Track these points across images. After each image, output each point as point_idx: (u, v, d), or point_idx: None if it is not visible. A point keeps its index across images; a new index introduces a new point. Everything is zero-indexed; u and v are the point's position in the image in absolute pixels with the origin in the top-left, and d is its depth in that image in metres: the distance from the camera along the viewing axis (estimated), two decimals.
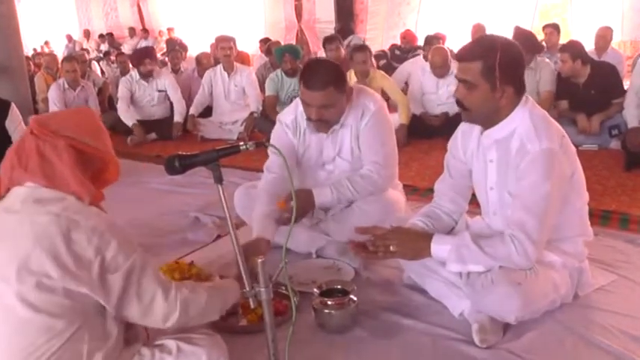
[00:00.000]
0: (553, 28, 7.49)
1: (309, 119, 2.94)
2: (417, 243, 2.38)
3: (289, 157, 2.98)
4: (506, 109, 2.28)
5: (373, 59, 6.70)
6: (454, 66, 6.09)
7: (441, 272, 2.50)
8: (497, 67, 2.19)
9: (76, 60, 7.50)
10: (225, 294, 2.02)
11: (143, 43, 14.43)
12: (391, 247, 2.38)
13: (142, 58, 7.17)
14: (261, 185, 3.07)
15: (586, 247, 2.53)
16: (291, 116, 3.11)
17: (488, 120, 2.33)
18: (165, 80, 7.15)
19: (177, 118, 7.01)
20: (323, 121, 2.92)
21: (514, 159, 2.27)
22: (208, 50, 9.48)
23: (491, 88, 2.23)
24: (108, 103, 8.26)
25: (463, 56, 2.29)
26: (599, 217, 3.60)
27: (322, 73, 2.81)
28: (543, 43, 7.36)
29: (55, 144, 1.72)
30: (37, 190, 1.70)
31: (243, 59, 8.52)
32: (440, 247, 2.32)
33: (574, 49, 5.38)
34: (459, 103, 2.34)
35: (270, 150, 3.03)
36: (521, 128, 2.26)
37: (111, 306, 1.72)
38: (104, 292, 1.68)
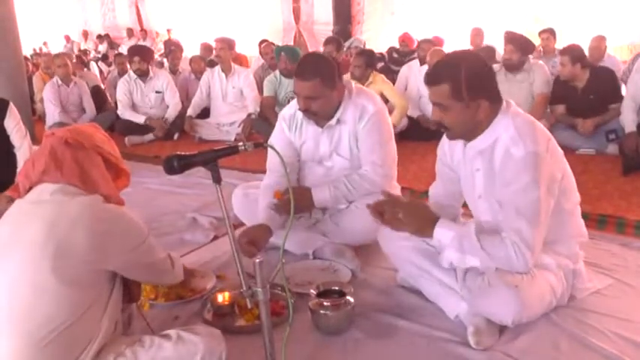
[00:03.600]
0: (550, 34, 7.52)
1: (299, 109, 3.02)
2: (423, 219, 2.35)
3: (289, 153, 3.09)
4: (485, 121, 2.29)
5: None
6: None
7: (434, 273, 2.51)
8: (464, 86, 2.20)
9: (67, 55, 7.51)
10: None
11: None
12: (400, 214, 2.35)
13: (132, 55, 7.21)
14: (264, 182, 3.16)
15: (581, 249, 2.54)
16: (292, 110, 3.18)
17: (471, 134, 2.34)
18: (164, 82, 7.16)
19: (167, 115, 7.06)
20: (311, 112, 2.98)
21: (499, 167, 2.28)
22: (198, 52, 9.53)
23: (465, 106, 2.24)
24: (104, 103, 8.27)
25: (430, 80, 2.29)
26: (596, 221, 3.61)
27: (312, 65, 2.92)
28: (540, 48, 7.40)
29: (86, 151, 1.93)
30: (65, 186, 1.85)
31: (242, 61, 8.53)
32: (444, 230, 2.30)
33: (574, 52, 5.38)
34: (439, 123, 2.35)
35: (269, 149, 3.07)
36: (504, 136, 2.26)
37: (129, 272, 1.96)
38: (128, 266, 1.92)
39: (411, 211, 2.37)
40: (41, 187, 1.87)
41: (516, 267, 2.21)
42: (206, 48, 9.58)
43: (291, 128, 3.17)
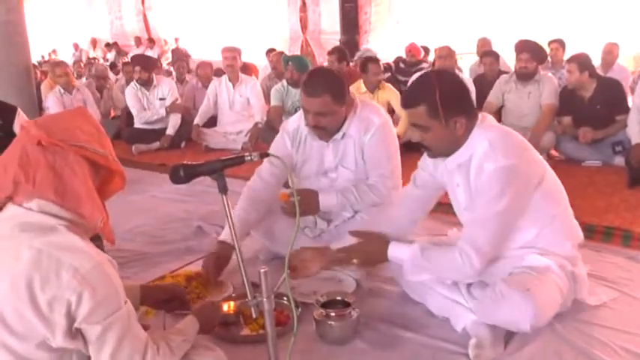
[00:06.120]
0: (559, 44, 7.50)
1: (307, 125, 2.98)
2: (374, 254, 2.54)
3: (284, 167, 3.03)
4: (463, 137, 2.34)
5: None
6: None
7: (439, 289, 2.53)
8: (440, 106, 2.25)
9: (66, 64, 7.58)
10: (192, 338, 1.88)
11: (149, 53, 14.52)
12: (354, 260, 2.55)
13: (134, 64, 7.30)
14: (247, 187, 3.13)
15: (578, 251, 2.55)
16: (295, 124, 3.16)
17: (450, 151, 2.39)
18: (166, 89, 7.20)
19: (169, 130, 7.07)
20: (320, 128, 2.96)
21: (474, 181, 2.34)
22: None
23: (444, 125, 2.29)
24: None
25: (407, 103, 2.36)
26: (602, 233, 3.60)
27: (320, 81, 2.88)
28: (549, 58, 7.40)
29: (65, 156, 1.56)
30: (28, 215, 1.54)
31: (252, 71, 8.55)
32: (396, 256, 2.46)
33: (582, 60, 5.37)
34: (420, 144, 2.41)
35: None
36: (479, 150, 2.31)
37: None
38: (78, 342, 1.54)
39: (361, 253, 2.56)
40: (7, 213, 1.56)
41: (464, 272, 2.29)
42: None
43: (294, 143, 3.14)
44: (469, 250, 2.25)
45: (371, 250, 2.55)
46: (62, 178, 1.54)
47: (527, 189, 2.30)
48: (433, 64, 7.43)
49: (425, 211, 2.75)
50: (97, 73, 8.60)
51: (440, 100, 2.24)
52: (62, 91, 7.10)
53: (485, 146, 2.29)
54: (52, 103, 7.00)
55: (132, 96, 7.13)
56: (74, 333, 1.52)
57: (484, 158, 2.28)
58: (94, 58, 15.27)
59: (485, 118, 2.39)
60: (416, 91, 2.36)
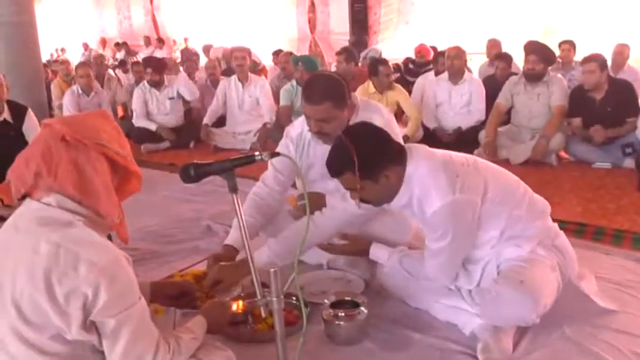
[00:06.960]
0: (570, 45, 7.46)
1: (310, 131, 2.98)
2: (356, 253, 2.86)
3: (289, 173, 3.07)
4: (398, 183, 2.36)
5: None
6: (468, 76, 6.28)
7: (441, 300, 2.56)
8: (363, 169, 2.26)
9: (89, 65, 7.60)
10: (201, 336, 1.90)
11: (158, 53, 14.54)
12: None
13: (146, 66, 7.35)
14: (252, 193, 3.09)
15: (552, 222, 2.57)
16: (299, 130, 3.13)
17: (392, 197, 2.41)
18: (181, 87, 7.27)
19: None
20: (323, 134, 2.94)
21: (420, 219, 2.41)
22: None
23: (374, 181, 2.31)
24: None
25: (332, 174, 2.38)
26: (612, 235, 3.58)
27: (320, 88, 2.83)
28: (559, 59, 7.37)
29: (87, 153, 1.60)
30: (46, 210, 1.57)
31: (263, 72, 8.58)
32: (376, 256, 2.74)
33: (601, 59, 5.35)
34: (363, 200, 2.43)
35: (269, 162, 3.06)
36: (416, 191, 2.33)
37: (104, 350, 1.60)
38: (92, 335, 1.56)
39: (345, 252, 2.87)
40: (26, 208, 1.61)
41: (439, 279, 2.51)
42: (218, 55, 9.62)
43: (297, 149, 3.12)
44: (430, 275, 2.46)
45: (353, 250, 2.82)
46: (83, 174, 1.58)
47: (471, 214, 2.31)
48: (434, 65, 7.40)
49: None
50: (94, 60, 8.63)
51: (360, 165, 2.24)
52: (80, 91, 7.17)
53: (420, 188, 2.32)
54: (68, 101, 7.09)
55: (137, 98, 7.18)
56: (89, 326, 1.55)
57: (422, 198, 2.31)
58: (103, 57, 15.31)
59: (413, 151, 2.38)
60: (336, 162, 2.34)
